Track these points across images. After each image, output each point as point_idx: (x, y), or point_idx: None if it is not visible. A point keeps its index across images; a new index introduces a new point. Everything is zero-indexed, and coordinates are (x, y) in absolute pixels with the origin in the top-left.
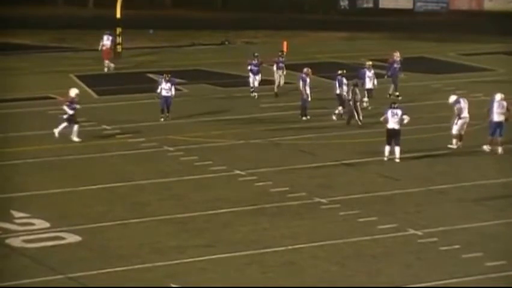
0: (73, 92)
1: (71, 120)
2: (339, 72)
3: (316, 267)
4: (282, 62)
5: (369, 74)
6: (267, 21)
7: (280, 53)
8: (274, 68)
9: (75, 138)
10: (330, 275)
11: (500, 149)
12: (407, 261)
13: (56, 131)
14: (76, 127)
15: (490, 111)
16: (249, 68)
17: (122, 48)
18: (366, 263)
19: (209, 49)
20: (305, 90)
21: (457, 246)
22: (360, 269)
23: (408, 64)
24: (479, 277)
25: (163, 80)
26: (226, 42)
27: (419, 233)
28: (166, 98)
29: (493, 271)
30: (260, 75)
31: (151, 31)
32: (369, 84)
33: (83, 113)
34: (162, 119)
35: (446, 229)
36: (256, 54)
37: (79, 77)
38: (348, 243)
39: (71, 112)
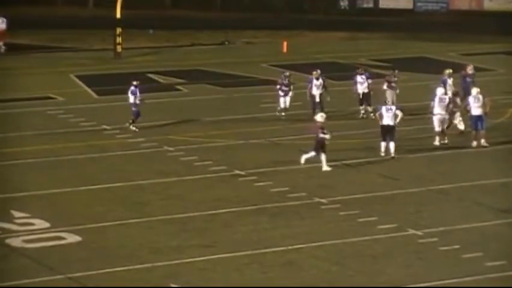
0: (320, 116)
1: (324, 147)
2: (358, 70)
3: (316, 267)
4: (394, 82)
5: (449, 82)
6: (267, 21)
7: (392, 72)
8: (385, 86)
9: (325, 168)
10: (330, 275)
11: (483, 141)
12: (407, 261)
13: (304, 157)
14: (324, 155)
15: (467, 106)
16: (278, 87)
17: (122, 48)
18: (366, 263)
19: (209, 49)
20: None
21: (457, 246)
22: (360, 269)
23: (408, 64)
24: (479, 277)
25: (136, 89)
26: (226, 42)
27: (419, 233)
28: (137, 105)
29: (493, 271)
30: (290, 95)
31: (151, 31)
32: (449, 93)
33: (83, 113)
34: (134, 128)
35: (446, 229)
36: (287, 73)
37: (78, 77)
38: (348, 243)
39: (328, 136)
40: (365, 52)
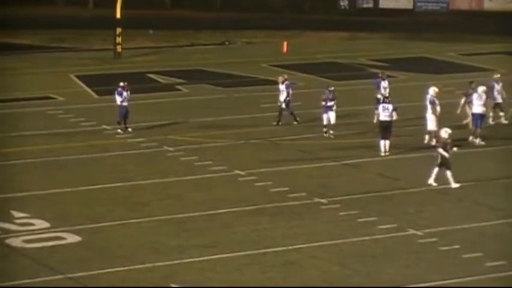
0: (445, 132)
1: (448, 164)
2: (379, 74)
3: (316, 267)
4: (472, 95)
5: (497, 87)
6: (267, 21)
7: (470, 84)
8: (462, 101)
9: (454, 185)
10: (330, 275)
11: (479, 140)
12: (407, 261)
13: (431, 180)
14: (449, 172)
15: (470, 103)
16: (323, 103)
17: (122, 48)
18: (366, 263)
19: (209, 49)
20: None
21: (457, 246)
22: (360, 269)
23: (408, 64)
24: (479, 277)
25: (123, 90)
26: (226, 42)
27: (419, 233)
28: (126, 107)
29: (493, 271)
30: (335, 110)
31: (151, 31)
32: (498, 98)
33: (83, 113)
34: (121, 131)
35: (446, 229)
36: (331, 88)
37: (78, 77)
38: (348, 243)
39: (447, 155)
40: (365, 52)
